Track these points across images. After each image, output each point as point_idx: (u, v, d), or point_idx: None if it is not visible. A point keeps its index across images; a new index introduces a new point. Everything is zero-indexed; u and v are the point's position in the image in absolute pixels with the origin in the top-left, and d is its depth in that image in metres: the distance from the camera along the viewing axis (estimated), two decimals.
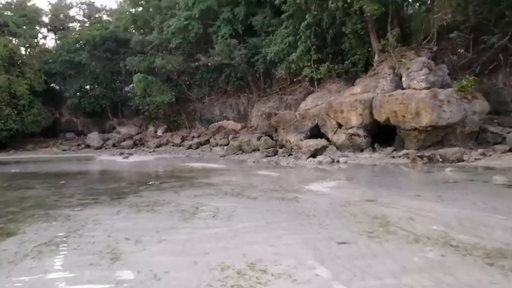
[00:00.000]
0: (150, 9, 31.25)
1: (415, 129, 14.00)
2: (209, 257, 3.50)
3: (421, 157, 12.41)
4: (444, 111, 13.50)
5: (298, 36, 20.03)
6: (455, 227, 4.22)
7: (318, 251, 3.57)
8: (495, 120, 15.78)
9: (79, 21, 39.92)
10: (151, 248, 3.86)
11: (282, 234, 4.18)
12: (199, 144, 25.17)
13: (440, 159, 12.14)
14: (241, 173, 11.70)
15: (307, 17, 19.11)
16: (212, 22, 25.61)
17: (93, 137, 30.29)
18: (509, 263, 3.04)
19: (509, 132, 14.04)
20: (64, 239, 4.31)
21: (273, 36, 21.84)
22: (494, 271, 2.94)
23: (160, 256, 3.62)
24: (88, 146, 29.82)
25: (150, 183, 9.22)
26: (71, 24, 39.59)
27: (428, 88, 14.16)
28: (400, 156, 13.41)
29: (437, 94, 13.78)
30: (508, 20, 15.65)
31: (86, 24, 38.60)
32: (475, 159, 11.86)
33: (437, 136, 14.26)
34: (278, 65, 21.67)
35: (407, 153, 13.31)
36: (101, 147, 29.19)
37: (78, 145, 30.44)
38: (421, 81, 14.51)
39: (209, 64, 25.70)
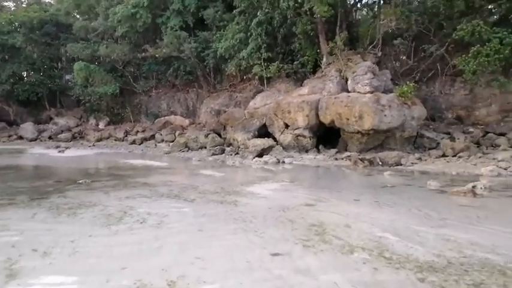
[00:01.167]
0: None
1: (358, 132, 14.31)
2: (126, 273, 3.10)
3: (362, 160, 12.70)
4: (385, 115, 13.91)
5: (249, 33, 19.77)
6: (390, 236, 4.17)
7: (248, 265, 3.30)
8: (431, 126, 16.67)
9: (14, 0, 36.61)
10: (59, 263, 3.37)
11: (213, 245, 3.88)
12: (143, 140, 24.10)
13: (380, 163, 12.50)
14: (184, 172, 11.22)
15: (258, 14, 18.91)
16: (162, 12, 24.59)
17: (27, 128, 27.89)
18: (439, 279, 2.98)
19: (442, 138, 14.87)
20: None
21: (224, 31, 21.41)
22: (426, 287, 2.85)
23: (66, 274, 3.15)
24: (21, 138, 27.41)
25: (80, 181, 8.48)
26: (5, 4, 36.22)
27: (371, 92, 14.52)
28: (342, 159, 13.65)
29: (379, 98, 14.17)
30: (446, 31, 16.54)
31: (24, 5, 35.52)
32: (412, 163, 12.35)
33: (378, 139, 14.69)
34: (228, 61, 21.28)
35: (349, 156, 13.57)
36: (35, 139, 26.94)
37: (9, 136, 27.89)
38: (365, 85, 14.86)
39: (157, 56, 24.63)
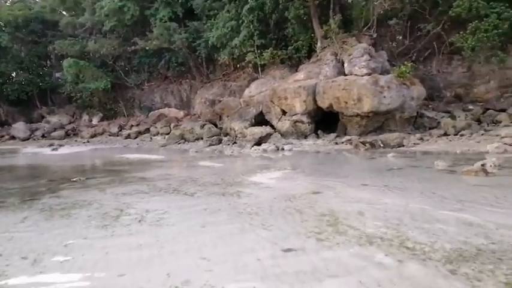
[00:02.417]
0: None
1: (357, 115, 14.05)
2: (124, 281, 2.79)
3: (363, 143, 12.44)
4: (385, 97, 13.63)
5: (240, 21, 19.31)
6: (408, 223, 3.88)
7: (260, 264, 3.01)
8: (430, 106, 16.43)
9: None
10: (50, 272, 3.05)
11: (219, 242, 3.57)
12: (138, 134, 23.76)
13: (382, 145, 12.25)
14: (182, 165, 10.89)
15: (249, 0, 18.43)
16: (150, 4, 23.98)
17: (19, 128, 27.38)
18: (473, 270, 2.70)
19: (443, 117, 14.62)
20: None
21: (214, 20, 20.92)
22: (460, 281, 2.57)
23: (58, 285, 2.83)
24: (13, 138, 26.93)
25: (74, 179, 8.15)
26: None
27: (369, 74, 14.24)
28: (343, 143, 13.39)
29: (378, 80, 13.88)
30: (441, 9, 16.17)
31: (7, 3, 34.57)
32: (414, 144, 12.10)
33: (378, 122, 14.45)
34: (221, 50, 20.84)
35: (350, 139, 13.31)
36: (28, 139, 26.48)
37: (1, 136, 27.42)
38: (362, 68, 14.56)
39: (147, 48, 24.09)
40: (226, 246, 3.46)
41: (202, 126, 18.74)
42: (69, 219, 4.65)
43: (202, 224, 4.18)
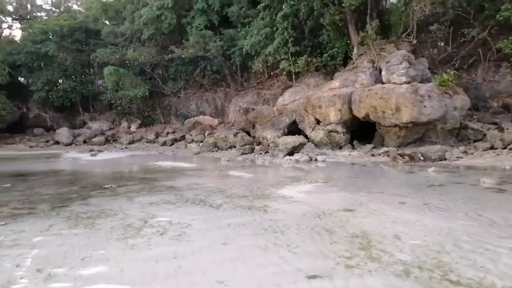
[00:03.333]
0: None
1: (395, 125, 13.43)
2: None
3: (401, 155, 11.83)
4: (425, 106, 12.95)
5: (275, 28, 19.21)
6: (451, 251, 3.45)
7: None
8: (475, 116, 15.43)
9: (46, 10, 37.79)
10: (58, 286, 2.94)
11: (239, 263, 3.33)
12: (174, 141, 24.17)
13: (422, 158, 11.58)
14: (212, 174, 10.79)
15: (284, 7, 18.34)
16: (186, 12, 24.48)
17: (63, 133, 28.65)
18: None
19: (489, 129, 13.65)
20: None
21: (249, 27, 20.95)
22: None
23: None
24: (57, 143, 28.20)
25: (106, 186, 8.24)
26: (38, 14, 37.47)
27: (408, 82, 13.63)
28: (380, 154, 12.80)
29: (418, 89, 13.23)
30: (488, 13, 15.26)
31: (55, 14, 36.62)
32: (457, 157, 11.34)
33: (418, 133, 13.74)
34: (255, 57, 20.81)
35: (387, 151, 12.72)
36: (70, 144, 27.63)
37: (47, 141, 28.77)
38: (401, 75, 13.97)
39: (183, 56, 24.55)
40: (247, 268, 3.21)
41: (235, 135, 18.68)
42: (92, 230, 4.59)
43: (224, 241, 3.96)
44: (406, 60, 14.35)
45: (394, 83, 13.98)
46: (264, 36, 19.56)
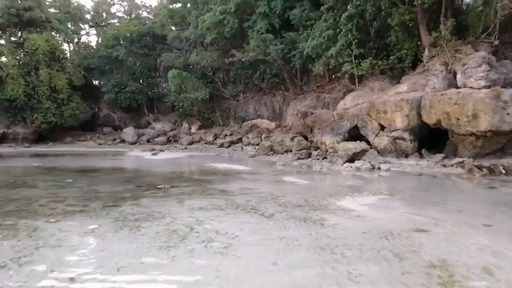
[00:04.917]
0: (188, 5, 30.71)
1: (472, 134, 12.02)
2: None
3: (479, 167, 10.52)
4: (508, 114, 11.43)
5: (338, 30, 18.40)
6: None
7: None
8: None
9: (119, 17, 40.34)
10: None
11: None
12: (231, 143, 24.27)
13: (504, 171, 10.22)
14: (266, 179, 10.37)
15: (348, 8, 17.50)
16: (248, 17, 24.51)
17: (128, 132, 30.32)
18: None
19: None
20: None
21: (311, 30, 20.33)
22: None
23: None
24: (123, 141, 29.88)
25: (159, 186, 8.20)
26: (112, 21, 40.14)
27: (488, 87, 12.15)
28: (452, 165, 11.53)
29: (500, 94, 11.74)
30: None
31: (126, 21, 38.94)
32: None
33: (498, 143, 12.18)
34: (316, 60, 20.15)
35: (461, 162, 11.41)
36: (135, 143, 29.10)
37: (114, 140, 30.62)
38: (479, 79, 12.50)
39: (244, 60, 24.60)
40: None
41: (292, 139, 18.16)
42: (136, 234, 4.37)
43: (273, 260, 3.49)
44: (485, 62, 12.86)
45: (471, 87, 12.57)
46: (326, 39, 18.85)
